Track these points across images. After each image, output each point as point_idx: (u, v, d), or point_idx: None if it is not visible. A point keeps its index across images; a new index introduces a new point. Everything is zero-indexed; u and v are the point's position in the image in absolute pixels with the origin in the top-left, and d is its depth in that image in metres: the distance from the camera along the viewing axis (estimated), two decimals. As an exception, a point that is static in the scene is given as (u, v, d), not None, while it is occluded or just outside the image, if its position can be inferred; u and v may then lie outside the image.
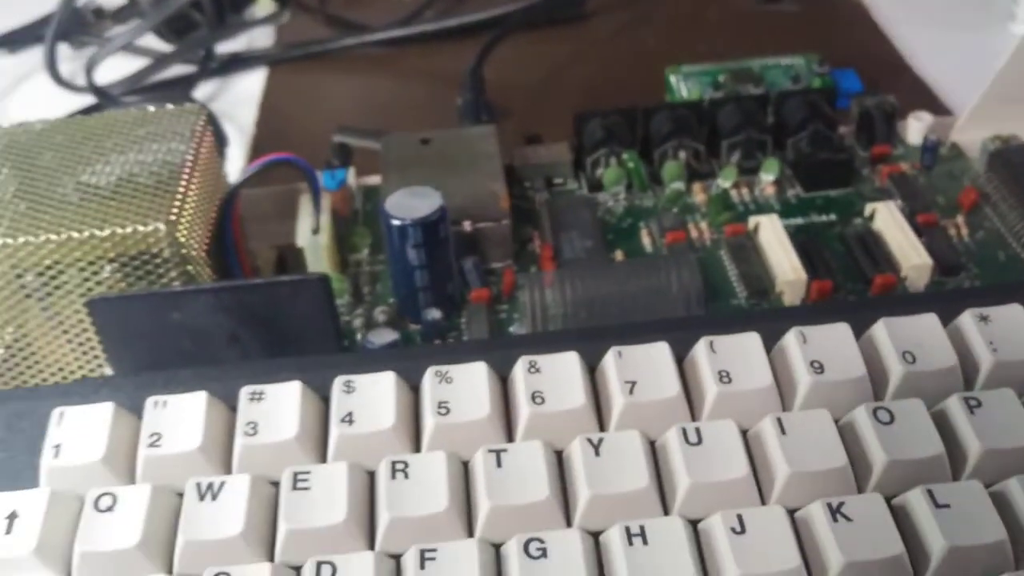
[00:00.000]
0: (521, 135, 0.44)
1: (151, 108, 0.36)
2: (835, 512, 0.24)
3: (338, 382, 0.26)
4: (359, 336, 0.34)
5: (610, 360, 0.26)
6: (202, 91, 0.55)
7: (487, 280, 0.36)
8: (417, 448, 0.26)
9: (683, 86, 0.48)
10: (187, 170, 0.33)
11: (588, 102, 0.50)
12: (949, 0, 0.59)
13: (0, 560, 0.23)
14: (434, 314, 0.34)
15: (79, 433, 0.25)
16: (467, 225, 0.36)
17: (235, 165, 0.47)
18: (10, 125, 0.36)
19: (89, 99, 0.52)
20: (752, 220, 0.37)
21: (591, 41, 0.57)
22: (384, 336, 0.33)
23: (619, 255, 0.37)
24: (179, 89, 0.54)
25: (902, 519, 0.24)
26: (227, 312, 0.31)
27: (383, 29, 0.58)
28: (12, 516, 0.24)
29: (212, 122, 0.48)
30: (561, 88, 0.53)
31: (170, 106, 0.36)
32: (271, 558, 0.24)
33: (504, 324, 0.34)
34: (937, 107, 0.48)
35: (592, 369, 0.27)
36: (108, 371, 0.33)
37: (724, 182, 0.39)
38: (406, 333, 0.34)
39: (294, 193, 0.38)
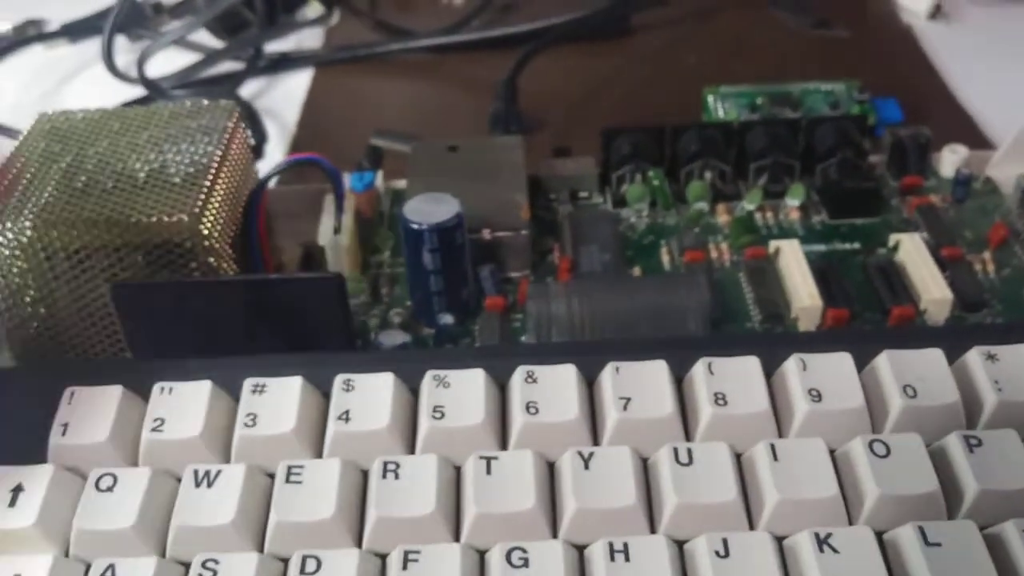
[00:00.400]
0: (551, 147, 0.45)
1: (187, 103, 0.37)
2: (822, 543, 0.24)
3: (339, 380, 0.27)
4: (373, 336, 0.35)
5: (607, 375, 0.27)
6: (249, 88, 0.56)
7: (503, 288, 0.36)
8: (411, 450, 0.26)
9: (720, 107, 0.48)
10: (215, 165, 0.34)
11: (623, 118, 0.50)
12: (1001, 32, 0.58)
13: (2, 531, 0.24)
14: (447, 319, 0.34)
15: (87, 413, 0.26)
16: (487, 233, 0.36)
17: (273, 161, 0.48)
18: (53, 113, 0.37)
19: (141, 90, 0.54)
20: (773, 244, 0.37)
21: (633, 57, 0.57)
22: (394, 338, 0.34)
23: (636, 271, 0.37)
24: (227, 85, 0.55)
25: (892, 555, 0.24)
26: (244, 305, 0.32)
27: (429, 36, 0.59)
28: (17, 489, 0.25)
29: (251, 119, 0.50)
30: (597, 103, 0.53)
31: (205, 102, 0.37)
32: (261, 548, 0.25)
33: (517, 333, 0.35)
34: (979, 140, 0.47)
35: (590, 383, 0.27)
36: (128, 354, 0.34)
37: (749, 204, 0.39)
38: (418, 336, 0.35)
39: (322, 193, 0.39)
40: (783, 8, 0.61)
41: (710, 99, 0.48)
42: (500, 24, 0.60)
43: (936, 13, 0.60)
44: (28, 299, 0.34)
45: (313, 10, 0.61)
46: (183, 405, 0.26)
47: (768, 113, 0.46)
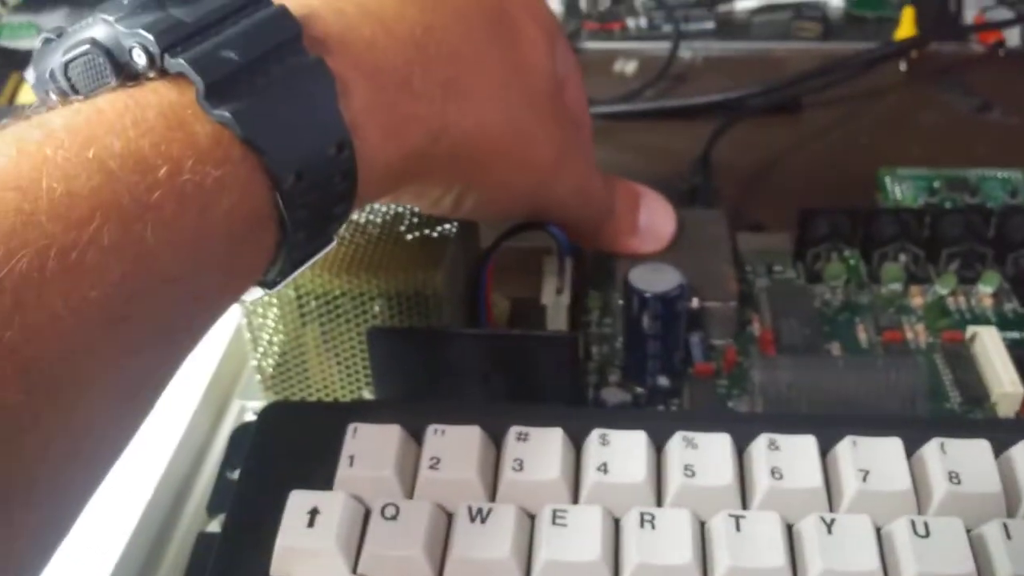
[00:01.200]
0: (740, 219, 0.47)
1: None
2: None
3: (595, 434, 0.30)
4: (591, 392, 0.37)
5: (845, 447, 0.29)
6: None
7: (710, 355, 0.38)
8: (659, 503, 0.29)
9: (897, 188, 0.49)
10: (454, 226, 0.37)
11: (800, 194, 0.52)
12: None
13: (302, 549, 0.28)
14: (663, 381, 0.37)
15: (369, 448, 0.30)
16: (696, 302, 0.39)
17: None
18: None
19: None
20: (971, 330, 0.38)
21: (805, 134, 0.59)
22: (616, 396, 0.36)
23: (835, 347, 0.39)
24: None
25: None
26: (484, 355, 0.35)
27: (607, 103, 0.62)
28: (314, 512, 0.28)
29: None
30: (776, 176, 0.55)
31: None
32: (528, 583, 0.27)
33: (723, 398, 0.37)
34: None
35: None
36: (366, 394, 0.38)
37: (942, 289, 0.41)
38: (633, 394, 0.37)
39: (536, 252, 0.42)
40: (949, 89, 0.63)
41: (887, 179, 0.50)
42: (673, 95, 0.63)
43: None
44: (279, 339, 0.38)
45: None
46: (454, 446, 0.29)
47: (948, 197, 0.48)
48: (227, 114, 0.22)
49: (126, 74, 0.23)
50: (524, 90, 0.32)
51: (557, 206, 0.36)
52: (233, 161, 0.23)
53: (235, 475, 0.33)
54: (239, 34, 0.23)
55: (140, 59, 0.23)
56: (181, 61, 0.23)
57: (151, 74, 0.23)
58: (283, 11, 0.24)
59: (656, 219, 0.40)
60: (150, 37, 0.23)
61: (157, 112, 0.22)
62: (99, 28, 0.23)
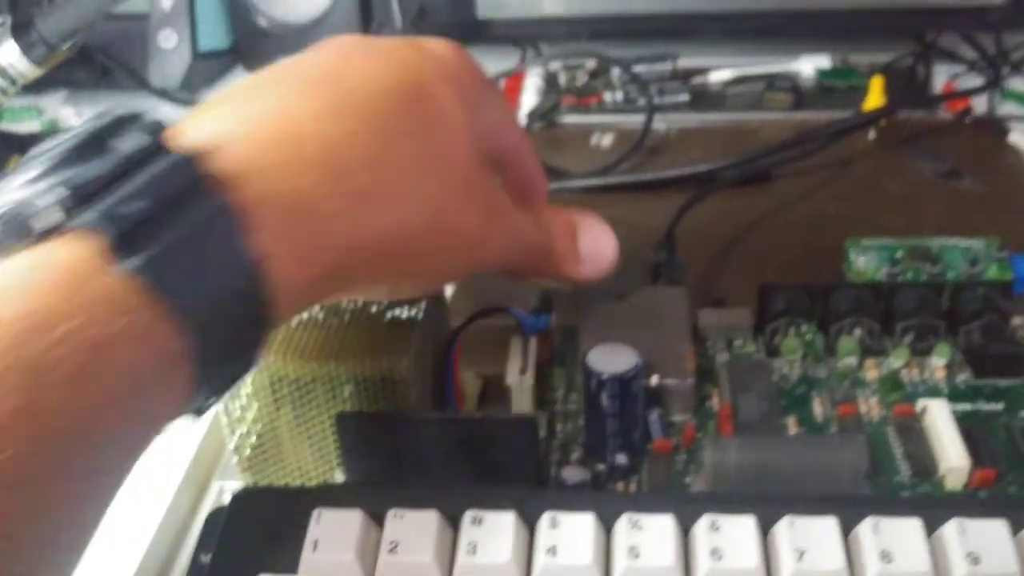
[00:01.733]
0: (706, 293, 0.49)
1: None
2: None
3: (545, 517, 0.31)
4: (554, 469, 0.39)
5: (783, 527, 0.30)
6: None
7: (669, 431, 0.40)
8: (608, 584, 0.30)
9: (861, 259, 0.51)
10: (422, 309, 0.39)
11: (768, 266, 0.54)
12: None
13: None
14: (621, 459, 0.38)
15: (332, 533, 0.31)
16: (654, 379, 0.40)
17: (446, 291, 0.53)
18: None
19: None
20: (921, 403, 0.40)
21: (774, 205, 0.61)
22: (576, 475, 0.38)
23: (792, 421, 0.40)
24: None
25: None
26: (448, 438, 0.36)
27: (582, 177, 0.64)
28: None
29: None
30: (744, 249, 0.57)
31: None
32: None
33: (680, 475, 0.38)
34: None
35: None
36: (339, 475, 0.39)
37: (896, 362, 0.42)
38: (593, 472, 0.39)
39: (504, 331, 0.44)
40: (918, 157, 0.65)
41: (852, 252, 0.52)
42: (646, 169, 0.65)
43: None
44: (254, 422, 0.39)
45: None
46: (413, 531, 0.31)
47: (909, 266, 0.50)
48: (132, 266, 0.24)
49: (32, 232, 0.24)
50: (442, 173, 0.32)
51: (493, 262, 0.37)
52: (139, 310, 0.24)
53: (208, 559, 0.34)
54: (142, 186, 0.25)
55: (46, 217, 0.24)
56: (86, 217, 0.24)
57: (57, 231, 0.24)
58: (184, 160, 0.26)
59: (596, 244, 0.41)
60: (54, 197, 0.24)
61: (61, 269, 0.23)
62: (5, 189, 0.25)
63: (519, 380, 0.41)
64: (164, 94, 0.77)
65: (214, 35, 0.80)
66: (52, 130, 0.75)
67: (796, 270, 0.54)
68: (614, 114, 0.72)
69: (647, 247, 0.54)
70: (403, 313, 0.40)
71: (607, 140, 0.70)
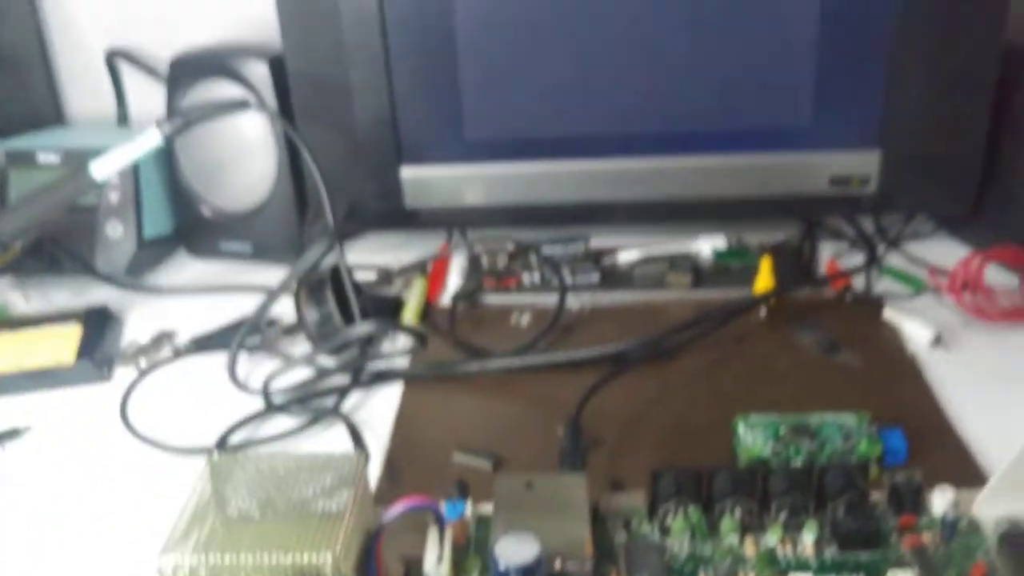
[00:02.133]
0: (606, 474, 0.54)
1: (328, 454, 0.47)
2: None
3: None
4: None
5: None
6: (348, 402, 0.67)
7: (572, 611, 0.44)
8: None
9: (749, 435, 0.57)
10: (350, 508, 0.44)
11: (667, 446, 0.60)
12: (1004, 364, 0.67)
13: None
14: (526, 641, 0.42)
15: None
16: (558, 563, 0.45)
17: (373, 472, 0.58)
18: (219, 456, 0.48)
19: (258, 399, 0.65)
20: (791, 578, 0.45)
21: (675, 383, 0.66)
22: (486, 657, 0.42)
23: (680, 599, 0.45)
24: (333, 400, 0.66)
25: None
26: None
27: (501, 356, 0.69)
28: None
29: (355, 438, 0.60)
30: (644, 429, 0.61)
31: (337, 454, 0.47)
32: None
33: (581, 652, 0.43)
34: (974, 473, 0.55)
35: None
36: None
37: (771, 539, 0.48)
38: (504, 653, 0.43)
39: (424, 517, 0.48)
40: (802, 332, 0.72)
41: (740, 427, 0.58)
42: (561, 348, 0.71)
43: (938, 341, 0.70)
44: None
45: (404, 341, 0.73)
46: None
47: (791, 442, 0.55)
48: None
49: None
50: None
51: None
52: None
53: None
54: None
55: None
56: None
57: None
58: None
59: None
60: None
61: None
62: None
63: (436, 569, 0.45)
64: (110, 279, 0.82)
65: (158, 222, 0.86)
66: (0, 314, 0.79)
67: (692, 446, 0.59)
68: (532, 293, 0.78)
69: (559, 426, 0.59)
70: (334, 505, 0.44)
71: (526, 319, 0.76)
